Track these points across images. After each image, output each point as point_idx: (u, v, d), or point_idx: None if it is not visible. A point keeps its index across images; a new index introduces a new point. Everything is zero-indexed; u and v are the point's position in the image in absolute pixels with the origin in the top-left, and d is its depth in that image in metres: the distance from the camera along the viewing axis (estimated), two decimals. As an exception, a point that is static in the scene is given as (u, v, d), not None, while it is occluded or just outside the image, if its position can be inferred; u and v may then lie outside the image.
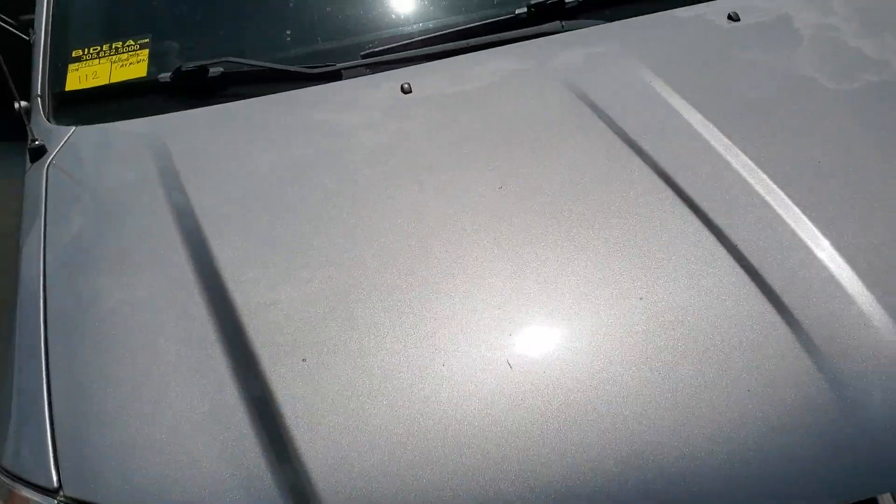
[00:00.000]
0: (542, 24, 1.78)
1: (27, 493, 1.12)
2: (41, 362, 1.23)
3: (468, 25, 1.78)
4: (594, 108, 1.47)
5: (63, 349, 1.25)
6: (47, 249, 1.44)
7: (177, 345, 1.20)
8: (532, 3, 1.79)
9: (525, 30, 1.78)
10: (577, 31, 1.77)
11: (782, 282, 1.10)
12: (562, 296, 1.15)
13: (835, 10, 1.79)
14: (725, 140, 1.34)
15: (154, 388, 1.17)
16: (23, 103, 1.85)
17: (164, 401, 1.15)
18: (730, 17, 1.73)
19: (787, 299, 1.08)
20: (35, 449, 1.14)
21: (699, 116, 1.40)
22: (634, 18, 1.78)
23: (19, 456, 1.15)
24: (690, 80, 1.53)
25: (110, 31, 1.97)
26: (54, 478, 1.11)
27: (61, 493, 1.10)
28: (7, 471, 1.15)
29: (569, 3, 1.80)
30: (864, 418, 0.98)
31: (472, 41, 1.76)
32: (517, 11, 1.80)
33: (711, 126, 1.38)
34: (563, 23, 1.79)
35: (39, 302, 1.33)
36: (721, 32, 1.71)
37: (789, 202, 1.21)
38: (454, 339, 1.13)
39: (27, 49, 1.99)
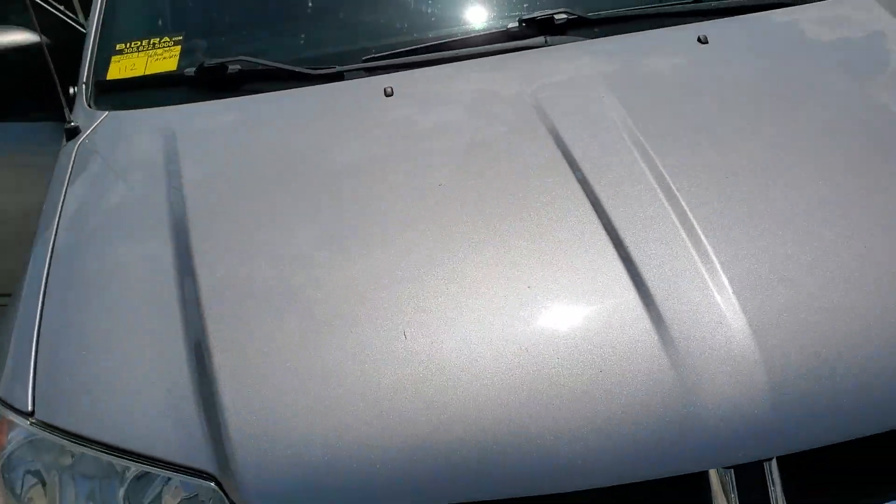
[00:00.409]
0: (529, 38, 1.93)
1: (9, 415, 1.34)
2: (37, 307, 1.46)
3: (459, 37, 1.95)
4: (545, 119, 1.61)
5: (56, 297, 1.47)
6: (62, 215, 1.67)
7: (144, 303, 1.40)
8: (523, 18, 1.95)
9: (511, 43, 1.93)
10: (557, 46, 1.91)
11: (658, 283, 1.22)
12: (463, 280, 1.30)
13: (803, 40, 1.89)
14: (651, 155, 1.46)
15: (120, 338, 1.37)
16: (72, 89, 2.12)
17: (125, 348, 1.35)
18: (699, 40, 1.84)
19: (658, 298, 1.20)
20: (20, 380, 1.36)
21: (636, 132, 1.53)
22: (612, 37, 1.91)
23: (7, 384, 1.38)
24: (642, 98, 1.66)
25: (150, 29, 2.20)
26: (30, 403, 1.33)
27: (34, 416, 1.31)
28: (10, 406, 1.37)
29: (557, 20, 1.95)
30: (701, 405, 1.10)
31: (461, 51, 1.92)
32: (508, 26, 1.96)
33: (643, 140, 1.50)
34: (548, 38, 1.93)
35: (46, 257, 1.56)
36: (688, 53, 1.82)
37: (689, 217, 1.32)
38: (356, 311, 1.29)
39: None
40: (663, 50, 1.85)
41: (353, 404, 1.18)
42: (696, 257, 1.26)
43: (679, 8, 1.98)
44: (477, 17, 2.07)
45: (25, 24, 2.12)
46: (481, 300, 1.27)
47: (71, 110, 2.03)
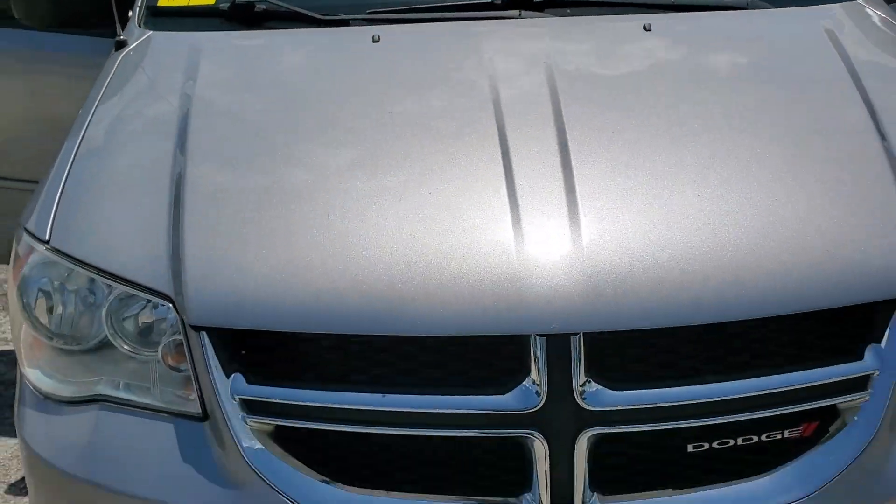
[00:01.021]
0: (506, 10, 2.27)
1: (32, 242, 1.74)
2: (66, 168, 1.86)
3: (448, 2, 2.29)
4: (491, 71, 1.95)
5: (81, 163, 1.87)
6: (97, 107, 2.07)
7: (146, 168, 1.82)
8: None
9: (491, 12, 2.27)
10: (529, 20, 2.24)
11: (526, 195, 1.55)
12: (376, 181, 1.67)
13: (741, 37, 2.19)
14: (561, 109, 1.78)
15: (121, 193, 1.79)
16: (130, 12, 2.52)
17: (123, 200, 1.76)
18: (644, 28, 2.15)
19: (521, 204, 1.53)
20: (43, 217, 1.76)
21: (558, 91, 1.85)
22: (577, 17, 2.24)
23: (35, 219, 1.78)
24: (577, 67, 1.99)
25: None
26: (48, 234, 1.73)
27: (49, 244, 1.72)
28: (26, 229, 1.78)
29: None
30: (529, 283, 1.42)
31: (447, 14, 2.26)
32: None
33: (560, 98, 1.82)
34: (522, 12, 2.27)
35: (81, 133, 1.96)
36: (630, 37, 2.14)
37: (570, 153, 1.65)
38: (300, 193, 1.67)
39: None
40: (612, 31, 2.18)
41: (285, 255, 1.56)
42: (562, 179, 1.59)
43: (640, 0, 2.29)
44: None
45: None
46: (389, 199, 1.63)
47: (123, 28, 2.44)
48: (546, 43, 2.12)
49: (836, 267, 1.51)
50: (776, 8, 2.30)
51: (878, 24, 2.27)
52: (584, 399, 1.42)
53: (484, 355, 1.48)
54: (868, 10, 2.33)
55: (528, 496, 1.47)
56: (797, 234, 1.54)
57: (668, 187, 1.62)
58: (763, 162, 1.69)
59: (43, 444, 1.65)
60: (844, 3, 2.33)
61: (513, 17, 2.26)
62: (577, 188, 1.58)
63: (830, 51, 2.05)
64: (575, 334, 1.42)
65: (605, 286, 1.44)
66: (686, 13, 2.25)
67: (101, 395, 1.64)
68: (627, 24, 2.20)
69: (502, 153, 1.67)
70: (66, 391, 1.67)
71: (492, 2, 2.29)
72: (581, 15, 2.27)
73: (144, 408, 1.60)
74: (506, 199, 1.56)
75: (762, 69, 2.04)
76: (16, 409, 1.75)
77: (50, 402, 1.68)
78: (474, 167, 1.66)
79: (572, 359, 1.42)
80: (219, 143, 1.86)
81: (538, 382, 1.43)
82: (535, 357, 1.43)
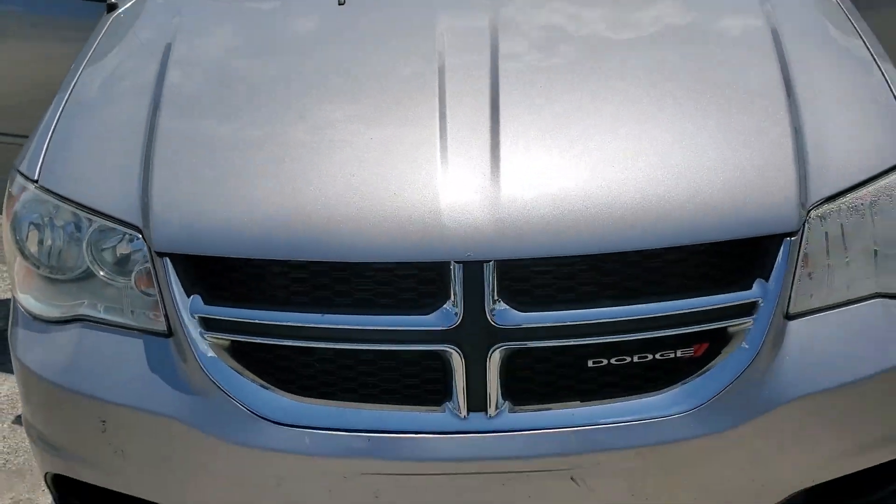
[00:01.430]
0: None
1: (24, 182, 1.96)
2: (58, 113, 2.08)
3: None
4: (443, 20, 2.14)
5: (71, 108, 2.09)
6: (87, 64, 2.27)
7: (123, 111, 2.04)
8: None
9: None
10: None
11: (456, 129, 1.77)
12: (333, 132, 1.89)
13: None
14: (499, 54, 1.97)
15: (100, 136, 2.01)
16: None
17: (102, 142, 1.99)
18: None
19: (450, 138, 1.74)
20: (34, 159, 1.98)
21: (498, 39, 2.03)
22: None
23: (27, 161, 2.00)
24: (523, 21, 2.17)
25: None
26: (37, 174, 1.95)
27: (37, 182, 1.94)
28: (19, 171, 2.00)
29: None
30: (452, 214, 1.62)
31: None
32: None
33: (500, 45, 2.01)
34: None
35: (70, 85, 2.18)
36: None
37: (499, 95, 1.85)
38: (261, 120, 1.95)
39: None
40: None
41: (240, 192, 1.77)
42: (489, 129, 1.78)
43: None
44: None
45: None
46: (337, 145, 1.83)
47: (115, -7, 2.65)
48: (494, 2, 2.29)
49: (725, 204, 1.69)
50: None
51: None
52: (494, 318, 1.62)
53: (411, 280, 1.68)
54: None
55: (449, 404, 1.67)
56: (693, 173, 1.72)
57: (582, 135, 1.81)
58: (671, 110, 1.88)
59: (32, 358, 1.88)
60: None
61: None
62: (501, 138, 1.77)
63: (758, 11, 2.20)
64: (487, 261, 1.62)
65: (515, 220, 1.64)
66: None
67: (82, 315, 1.86)
68: None
69: (439, 106, 1.85)
70: (52, 313, 1.89)
71: None
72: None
73: (119, 326, 1.82)
74: (437, 146, 1.75)
75: (687, 28, 2.22)
76: (9, 330, 1.98)
77: (39, 323, 1.90)
78: (413, 117, 1.86)
79: (485, 283, 1.62)
80: (190, 93, 2.08)
81: (456, 304, 1.63)
82: (454, 281, 1.63)
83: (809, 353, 1.70)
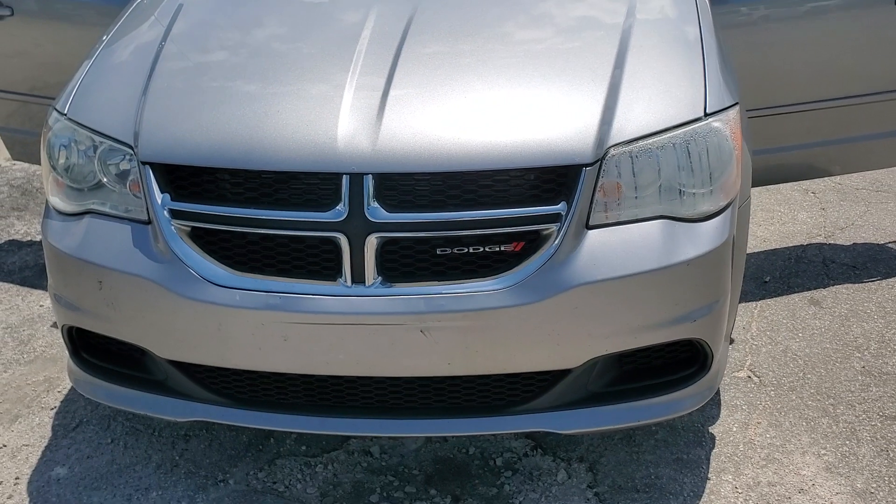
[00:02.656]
0: None
1: (54, 114, 2.70)
2: (89, 62, 2.83)
3: None
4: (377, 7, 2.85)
5: (98, 57, 2.84)
6: (117, 27, 3.02)
7: (138, 54, 2.80)
8: None
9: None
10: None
11: (360, 77, 2.47)
12: (278, 73, 2.62)
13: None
14: (410, 30, 2.67)
15: (116, 73, 2.76)
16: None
17: (116, 77, 2.73)
18: None
19: (354, 93, 2.43)
20: (65, 96, 2.73)
21: (416, 17, 2.74)
22: None
23: (60, 98, 2.75)
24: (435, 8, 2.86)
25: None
26: (67, 108, 2.69)
27: (66, 114, 2.68)
28: (54, 107, 2.75)
29: None
30: (344, 137, 2.31)
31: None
32: None
33: (415, 19, 2.72)
34: None
35: (101, 42, 2.93)
36: None
37: (401, 55, 2.55)
38: (241, 71, 2.63)
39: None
40: None
41: (203, 115, 2.48)
42: (386, 78, 2.48)
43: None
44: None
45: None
46: (279, 83, 2.57)
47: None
48: None
49: (540, 140, 2.35)
50: None
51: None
52: (369, 214, 2.30)
53: (315, 185, 2.37)
54: None
55: (340, 279, 2.35)
56: (522, 118, 2.39)
57: (451, 89, 2.49)
58: (525, 77, 2.55)
59: (55, 238, 2.61)
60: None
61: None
62: (391, 88, 2.46)
63: (625, 5, 2.86)
64: (367, 174, 2.30)
65: (389, 146, 2.32)
66: None
67: (91, 209, 2.58)
68: None
69: (352, 66, 2.56)
70: (71, 208, 2.63)
71: None
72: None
73: (115, 216, 2.54)
74: (344, 92, 2.45)
75: (567, 11, 2.90)
76: (42, 221, 2.72)
77: (61, 215, 2.64)
78: (334, 72, 2.56)
79: (364, 189, 2.30)
80: (182, 47, 2.81)
81: (344, 204, 2.31)
82: (343, 187, 2.31)
83: (599, 254, 2.34)
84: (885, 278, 4.01)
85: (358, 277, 2.34)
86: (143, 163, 2.46)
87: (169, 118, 2.52)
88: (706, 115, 2.48)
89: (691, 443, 2.97)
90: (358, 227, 2.32)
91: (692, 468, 2.85)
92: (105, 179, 2.57)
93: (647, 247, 2.38)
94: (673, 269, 2.36)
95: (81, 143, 2.63)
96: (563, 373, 2.45)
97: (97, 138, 2.59)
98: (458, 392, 2.50)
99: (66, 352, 2.76)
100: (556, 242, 2.33)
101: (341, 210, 2.32)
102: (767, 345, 3.51)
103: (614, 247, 2.36)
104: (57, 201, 2.67)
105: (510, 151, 2.34)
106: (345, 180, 2.32)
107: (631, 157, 2.39)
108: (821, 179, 4.98)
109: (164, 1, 3.11)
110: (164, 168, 2.45)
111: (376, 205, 2.31)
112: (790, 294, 3.89)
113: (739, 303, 3.76)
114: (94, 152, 2.59)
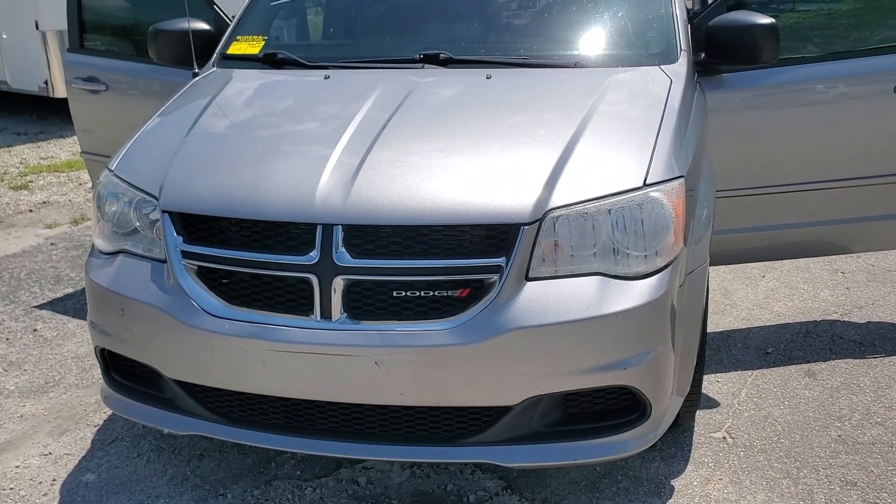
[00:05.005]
0: (413, 63, 3.60)
1: (105, 171, 3.25)
2: (140, 130, 3.40)
3: (384, 58, 3.66)
4: (376, 91, 3.28)
5: (148, 127, 3.41)
6: (169, 103, 3.60)
7: (175, 127, 3.32)
8: (422, 55, 3.62)
9: (404, 64, 3.61)
10: (426, 69, 3.55)
11: (342, 159, 2.88)
12: (287, 145, 3.06)
13: (543, 83, 3.38)
14: (394, 115, 3.10)
15: (158, 140, 3.28)
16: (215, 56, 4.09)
17: (159, 143, 3.25)
18: (486, 77, 3.40)
19: (337, 162, 2.86)
20: (117, 155, 3.28)
21: (404, 106, 3.16)
22: (453, 69, 3.52)
23: (113, 158, 3.30)
24: (426, 95, 3.27)
25: (253, 30, 4.12)
26: (115, 165, 3.24)
27: (113, 171, 3.22)
28: (106, 166, 3.30)
29: (442, 58, 3.60)
30: (322, 193, 2.73)
31: (383, 64, 3.63)
32: (415, 56, 3.63)
33: (401, 110, 3.13)
34: (424, 65, 3.59)
35: (154, 115, 3.50)
36: (474, 81, 3.40)
37: (380, 138, 2.97)
38: (266, 144, 3.11)
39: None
40: (465, 76, 3.44)
41: (217, 176, 2.95)
42: (367, 150, 2.89)
43: (499, 58, 3.55)
44: (396, 51, 3.78)
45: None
46: (285, 152, 3.01)
47: (199, 67, 4.00)
48: (421, 80, 3.41)
49: (486, 201, 2.69)
50: (589, 68, 3.48)
51: (650, 80, 3.37)
52: (336, 259, 2.70)
53: (296, 233, 2.78)
54: (658, 72, 3.44)
55: (311, 314, 2.74)
56: (476, 180, 2.75)
57: (420, 157, 2.88)
58: (489, 144, 2.93)
59: (94, 272, 3.12)
60: (645, 67, 3.47)
61: (417, 68, 3.58)
62: (369, 157, 2.88)
63: (595, 92, 3.21)
64: (337, 225, 2.71)
65: (357, 202, 2.72)
66: (526, 69, 3.49)
67: (125, 249, 3.09)
68: (479, 72, 3.46)
69: (344, 137, 3.00)
70: (110, 248, 3.14)
71: (407, 58, 3.63)
72: (458, 68, 3.56)
73: (142, 256, 3.03)
74: (331, 157, 2.89)
75: (540, 98, 3.25)
76: (87, 259, 3.25)
77: (102, 254, 3.16)
78: (328, 143, 3.00)
79: (334, 238, 2.70)
80: (218, 116, 3.33)
81: (317, 249, 2.72)
82: (317, 236, 2.72)
83: (535, 302, 2.65)
84: (889, 355, 4.07)
85: (326, 313, 2.73)
86: (164, 211, 2.95)
87: (187, 175, 3.01)
88: (645, 185, 2.77)
89: (651, 493, 3.15)
90: (327, 269, 2.71)
91: (645, 515, 3.04)
92: (139, 224, 3.08)
93: (579, 298, 2.67)
94: (601, 320, 2.64)
95: (123, 195, 3.15)
96: (506, 409, 2.73)
97: (133, 191, 3.10)
98: (412, 421, 2.82)
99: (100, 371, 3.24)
100: (496, 291, 2.65)
101: (314, 255, 2.72)
102: (751, 410, 3.65)
103: (549, 297, 2.66)
104: (100, 242, 3.19)
105: (459, 209, 2.69)
106: (318, 229, 2.72)
107: (568, 219, 2.70)
108: (852, 260, 5.06)
109: (210, 84, 3.67)
110: (180, 216, 2.93)
111: (343, 251, 2.70)
112: (788, 365, 4.01)
113: (734, 371, 3.94)
114: (132, 203, 3.11)
